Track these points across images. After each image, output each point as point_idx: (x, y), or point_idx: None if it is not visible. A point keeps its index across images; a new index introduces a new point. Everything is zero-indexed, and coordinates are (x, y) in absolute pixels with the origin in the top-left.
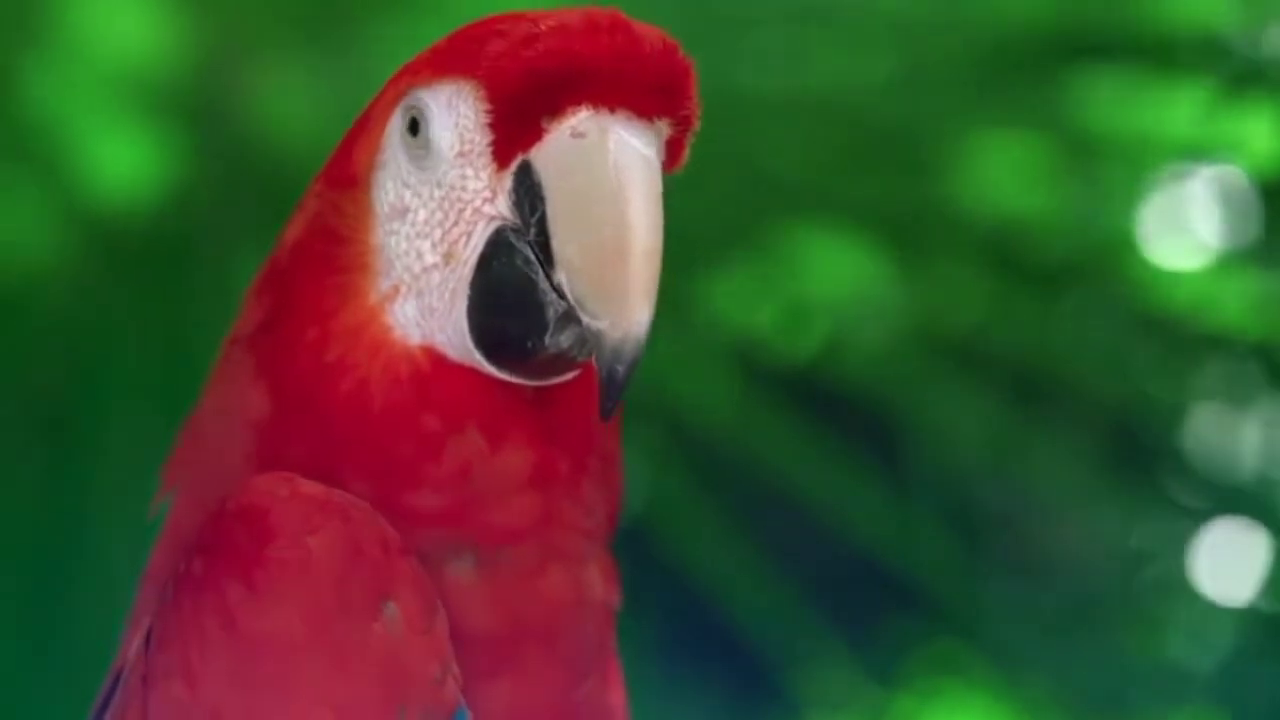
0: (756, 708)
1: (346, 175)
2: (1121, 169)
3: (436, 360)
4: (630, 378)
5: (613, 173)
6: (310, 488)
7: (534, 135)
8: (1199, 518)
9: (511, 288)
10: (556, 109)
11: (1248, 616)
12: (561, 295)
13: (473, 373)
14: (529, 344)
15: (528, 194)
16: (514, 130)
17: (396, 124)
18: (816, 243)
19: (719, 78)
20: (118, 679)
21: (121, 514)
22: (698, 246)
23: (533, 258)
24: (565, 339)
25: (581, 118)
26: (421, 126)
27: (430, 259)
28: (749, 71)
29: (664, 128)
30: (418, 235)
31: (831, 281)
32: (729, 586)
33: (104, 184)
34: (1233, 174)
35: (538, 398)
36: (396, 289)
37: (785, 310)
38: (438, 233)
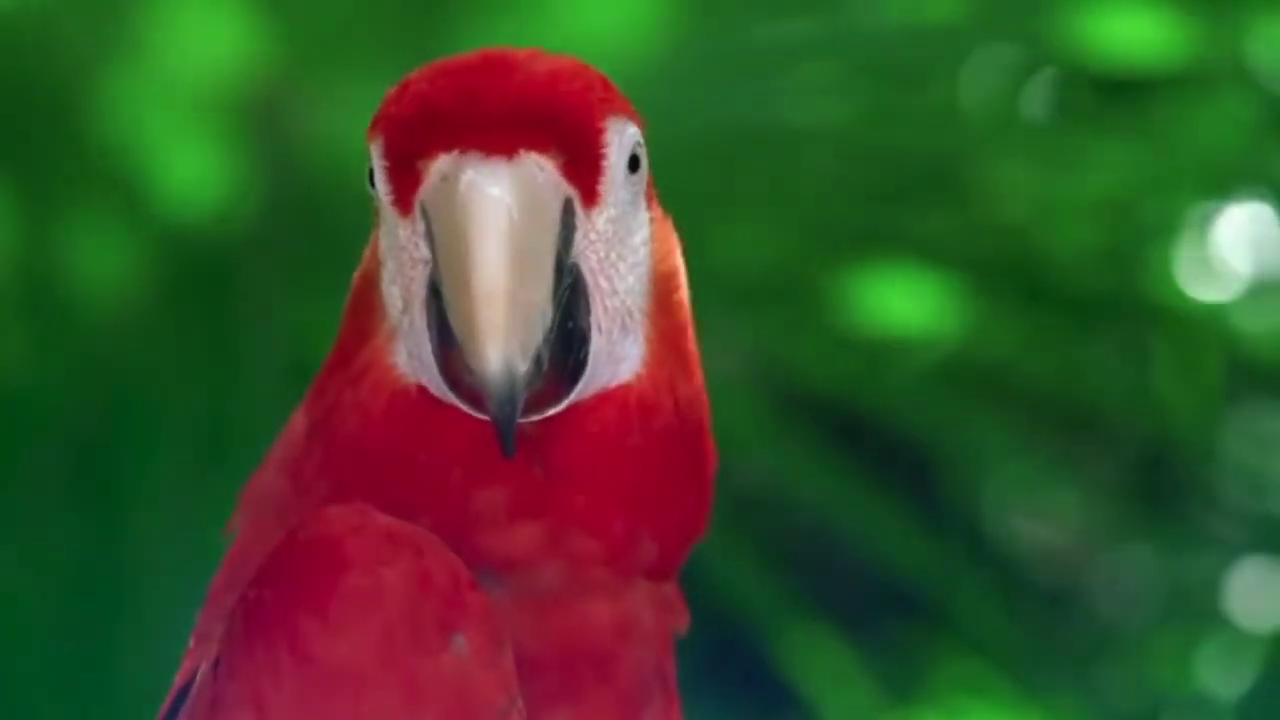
0: None
1: (377, 219)
2: (1155, 202)
3: (426, 400)
4: (506, 419)
5: (461, 214)
6: (383, 520)
7: (417, 180)
8: (1229, 549)
9: (445, 331)
10: (426, 154)
11: (1276, 646)
12: None
13: (456, 411)
14: (469, 385)
15: (430, 236)
16: (403, 177)
17: (367, 176)
18: (853, 275)
19: (759, 113)
20: (178, 700)
21: (165, 551)
22: (735, 278)
23: None
24: (474, 379)
25: (443, 161)
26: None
27: (399, 304)
28: (788, 106)
29: (543, 163)
30: (391, 281)
31: (867, 314)
32: (758, 609)
33: (180, 204)
34: (1266, 207)
35: (544, 432)
36: (395, 331)
37: (820, 341)
38: (400, 279)
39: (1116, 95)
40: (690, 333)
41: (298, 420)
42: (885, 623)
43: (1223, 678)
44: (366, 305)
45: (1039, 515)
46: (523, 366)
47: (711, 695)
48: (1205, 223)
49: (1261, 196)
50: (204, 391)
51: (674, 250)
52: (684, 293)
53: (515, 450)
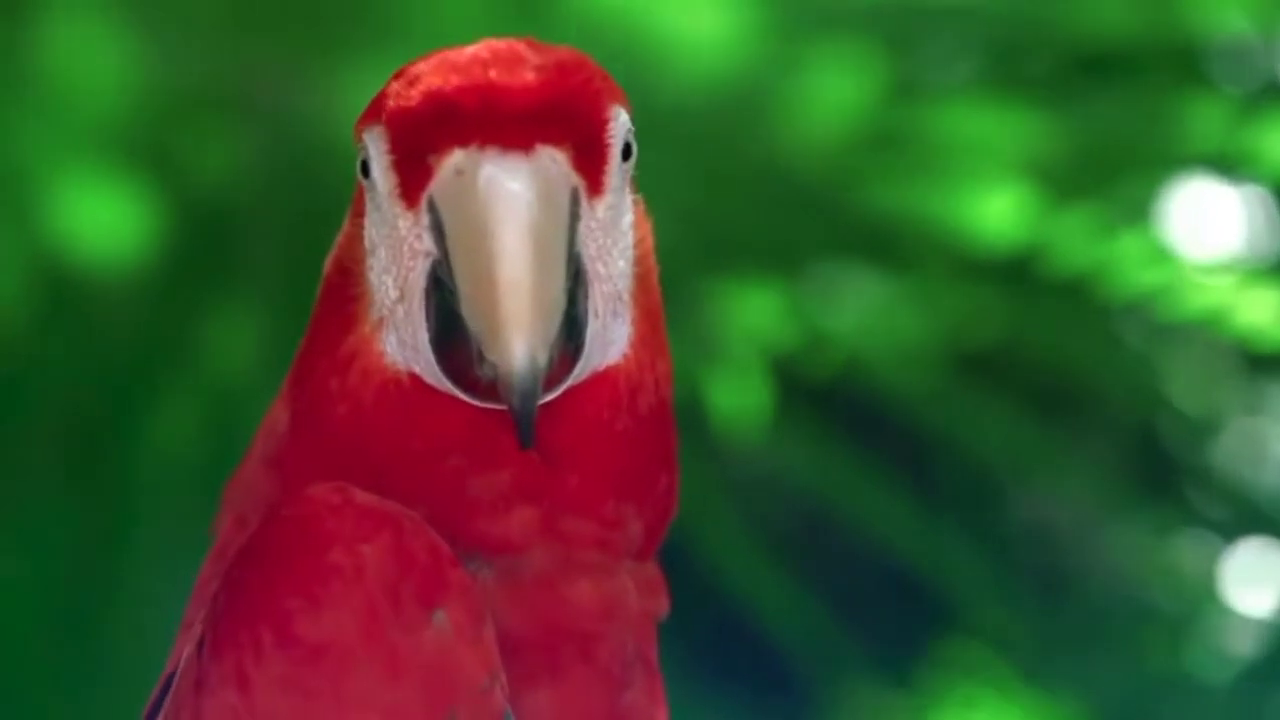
0: (784, 717)
1: (356, 208)
2: (1145, 180)
3: (419, 387)
4: (528, 411)
5: (481, 209)
6: (363, 497)
7: (427, 174)
8: (1224, 531)
9: (447, 322)
10: (438, 149)
11: (1272, 630)
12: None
13: (451, 398)
14: (471, 375)
15: (437, 230)
16: (411, 171)
17: (357, 165)
18: (839, 257)
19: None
20: (167, 685)
21: (161, 541)
22: (729, 262)
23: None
24: (487, 370)
25: (457, 156)
26: (369, 168)
27: (394, 294)
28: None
29: (557, 156)
30: (383, 271)
31: (856, 297)
32: (757, 596)
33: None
34: (1262, 190)
35: (539, 416)
36: (382, 320)
37: (811, 325)
38: (394, 269)
39: (1098, 66)
40: (663, 311)
41: (277, 412)
42: (881, 605)
43: (1218, 660)
44: (348, 294)
45: (1036, 498)
46: (544, 358)
47: (708, 679)
48: (1200, 204)
49: (1254, 172)
50: (199, 380)
51: (649, 232)
52: (657, 273)
53: (534, 440)
